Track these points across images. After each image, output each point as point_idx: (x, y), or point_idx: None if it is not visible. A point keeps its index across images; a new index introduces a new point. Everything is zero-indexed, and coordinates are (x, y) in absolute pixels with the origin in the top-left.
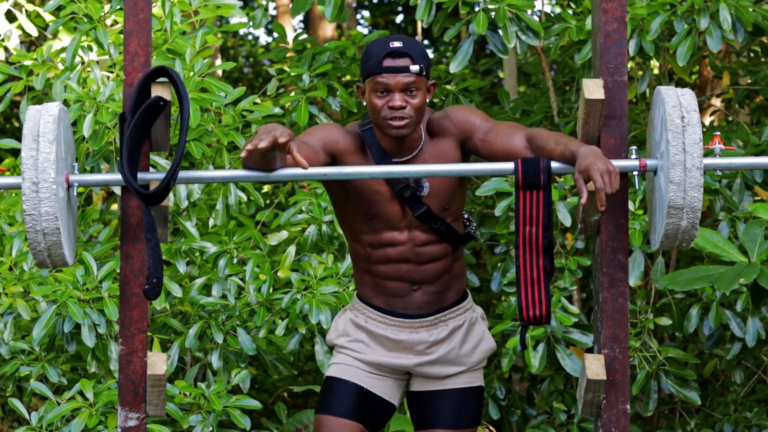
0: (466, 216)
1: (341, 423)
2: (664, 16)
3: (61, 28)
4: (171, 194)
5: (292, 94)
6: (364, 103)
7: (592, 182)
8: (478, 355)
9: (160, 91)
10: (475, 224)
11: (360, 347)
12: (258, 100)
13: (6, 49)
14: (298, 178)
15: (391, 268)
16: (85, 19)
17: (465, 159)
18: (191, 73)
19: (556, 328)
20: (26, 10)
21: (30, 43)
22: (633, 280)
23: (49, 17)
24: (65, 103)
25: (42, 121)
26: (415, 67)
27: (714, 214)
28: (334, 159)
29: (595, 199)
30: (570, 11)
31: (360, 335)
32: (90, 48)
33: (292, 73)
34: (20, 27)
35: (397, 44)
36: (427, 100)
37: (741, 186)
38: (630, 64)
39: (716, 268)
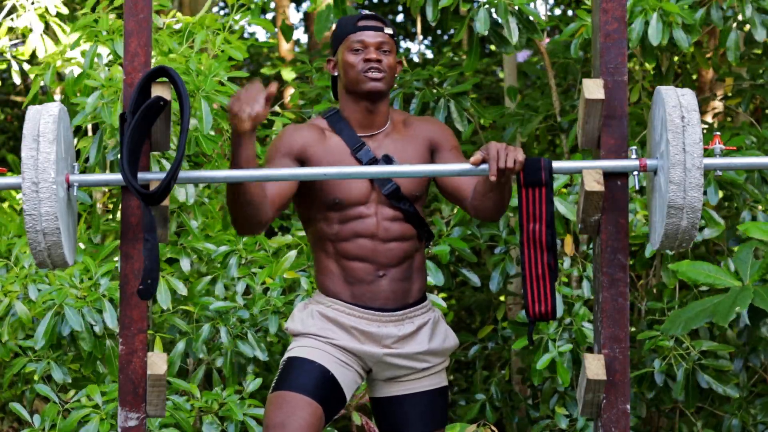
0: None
1: (305, 400)
2: (704, 10)
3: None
4: (174, 191)
5: (303, 106)
6: (335, 74)
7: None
8: (445, 352)
9: (160, 91)
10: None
11: (329, 333)
12: (277, 109)
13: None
14: (298, 178)
15: (357, 246)
16: (104, 33)
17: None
18: (204, 76)
19: (580, 340)
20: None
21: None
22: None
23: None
24: (84, 92)
25: (42, 121)
26: (389, 29)
27: (739, 207)
28: (301, 159)
29: (593, 200)
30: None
31: (328, 325)
32: (109, 64)
33: (318, 85)
34: (54, 36)
35: (368, 13)
36: (396, 75)
37: (758, 182)
38: (631, 65)
39: (710, 299)
